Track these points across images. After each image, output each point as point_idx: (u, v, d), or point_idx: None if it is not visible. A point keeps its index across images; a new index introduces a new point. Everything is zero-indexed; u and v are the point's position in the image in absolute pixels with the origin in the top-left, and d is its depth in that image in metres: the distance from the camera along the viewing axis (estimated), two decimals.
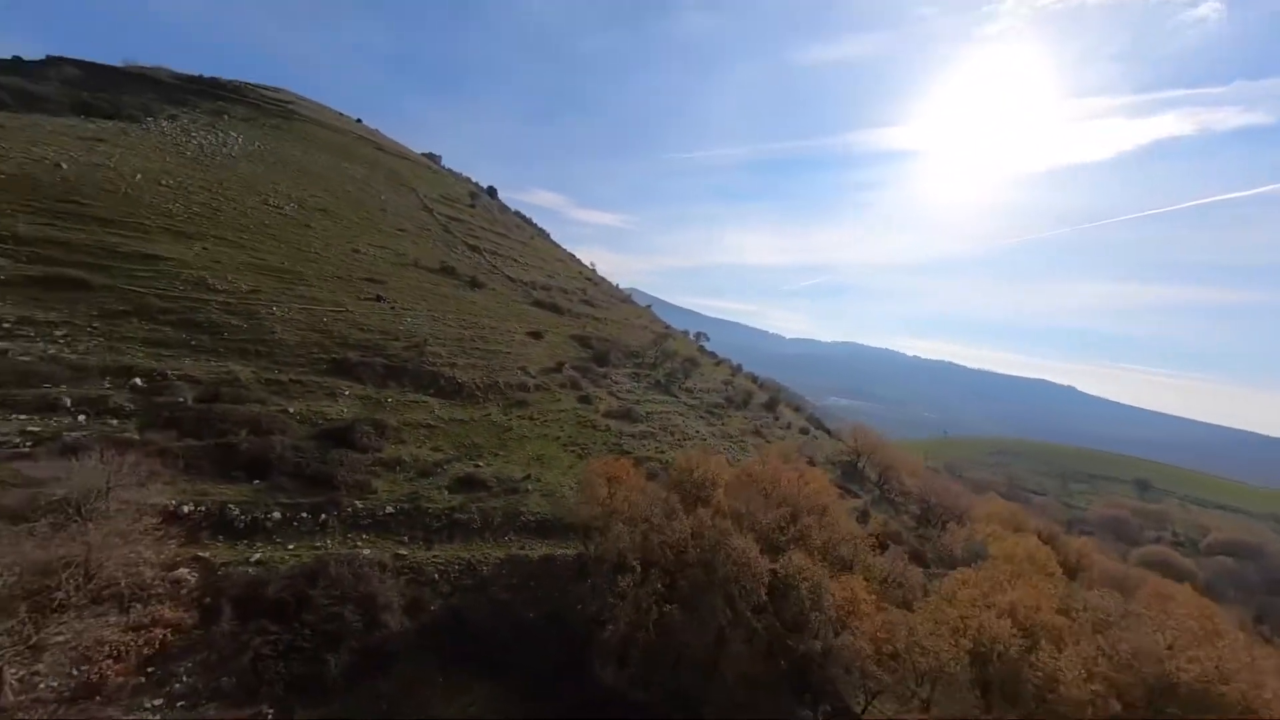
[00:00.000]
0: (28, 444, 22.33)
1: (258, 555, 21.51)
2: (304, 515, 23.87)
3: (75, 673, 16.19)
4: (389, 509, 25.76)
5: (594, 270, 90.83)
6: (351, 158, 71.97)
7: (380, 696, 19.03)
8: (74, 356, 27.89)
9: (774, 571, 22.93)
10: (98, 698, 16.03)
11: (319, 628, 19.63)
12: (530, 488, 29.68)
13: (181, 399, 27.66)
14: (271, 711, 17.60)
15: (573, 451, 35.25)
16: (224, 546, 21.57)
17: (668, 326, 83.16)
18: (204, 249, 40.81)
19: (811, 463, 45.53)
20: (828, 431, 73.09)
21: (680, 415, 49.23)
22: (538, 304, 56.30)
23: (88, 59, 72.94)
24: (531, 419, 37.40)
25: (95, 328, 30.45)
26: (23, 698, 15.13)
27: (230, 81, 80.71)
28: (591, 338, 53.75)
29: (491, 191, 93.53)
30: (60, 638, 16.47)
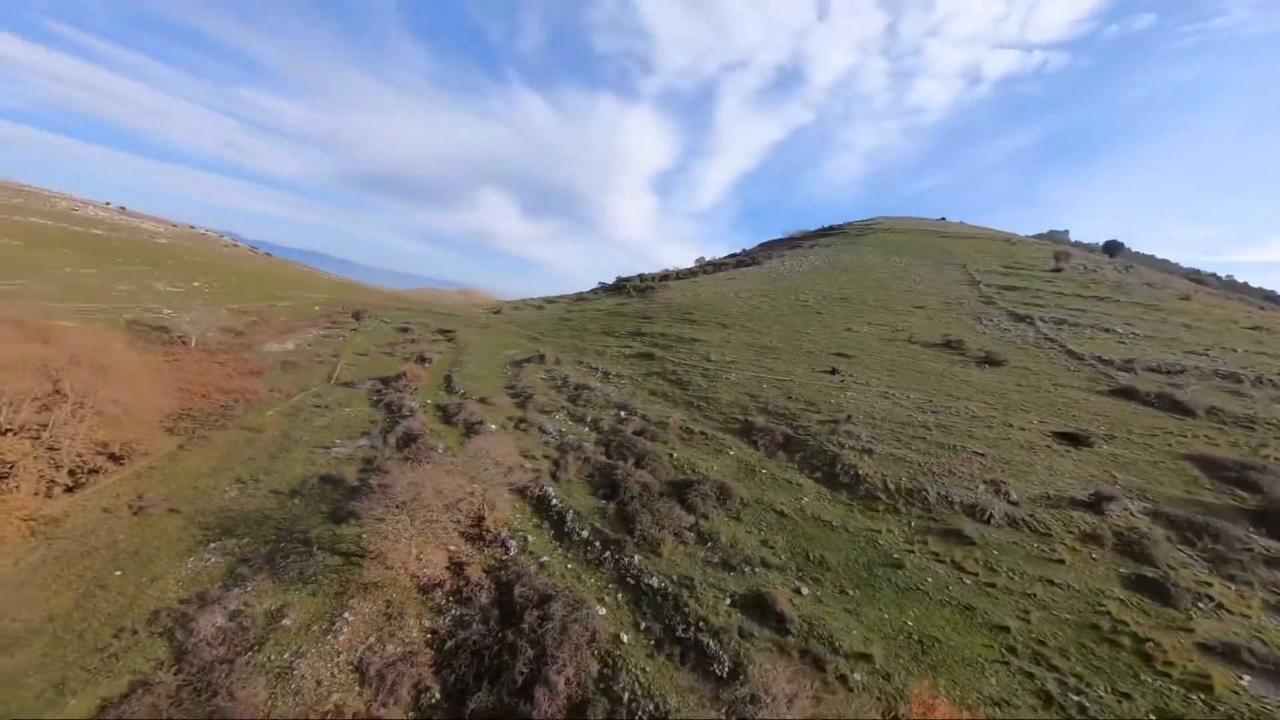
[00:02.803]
0: (556, 433, 35.15)
1: (545, 558, 23.09)
2: (597, 545, 23.58)
3: (456, 577, 22.85)
4: (654, 580, 20.94)
5: None
6: (900, 251, 70.13)
7: None
8: (613, 394, 41.79)
9: None
10: (435, 590, 21.72)
11: (501, 652, 18.31)
12: (859, 678, 15.42)
13: (624, 430, 35.04)
14: (437, 697, 17.77)
15: (1023, 676, 15.22)
16: (544, 538, 24.67)
17: None
18: (727, 334, 51.35)
19: None
20: None
21: None
22: (1120, 393, 30.42)
23: (772, 237, 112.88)
24: (959, 568, 19.72)
25: (636, 381, 44.52)
26: (428, 569, 22.92)
27: (838, 225, 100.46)
28: (1252, 467, 22.99)
29: (1111, 248, 62.96)
30: (452, 547, 24.13)
